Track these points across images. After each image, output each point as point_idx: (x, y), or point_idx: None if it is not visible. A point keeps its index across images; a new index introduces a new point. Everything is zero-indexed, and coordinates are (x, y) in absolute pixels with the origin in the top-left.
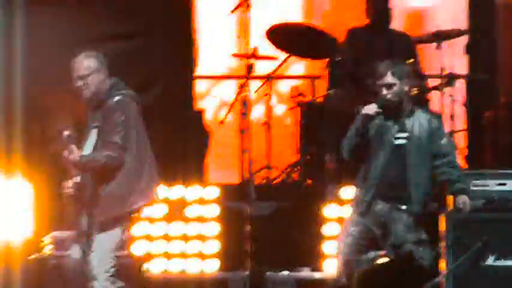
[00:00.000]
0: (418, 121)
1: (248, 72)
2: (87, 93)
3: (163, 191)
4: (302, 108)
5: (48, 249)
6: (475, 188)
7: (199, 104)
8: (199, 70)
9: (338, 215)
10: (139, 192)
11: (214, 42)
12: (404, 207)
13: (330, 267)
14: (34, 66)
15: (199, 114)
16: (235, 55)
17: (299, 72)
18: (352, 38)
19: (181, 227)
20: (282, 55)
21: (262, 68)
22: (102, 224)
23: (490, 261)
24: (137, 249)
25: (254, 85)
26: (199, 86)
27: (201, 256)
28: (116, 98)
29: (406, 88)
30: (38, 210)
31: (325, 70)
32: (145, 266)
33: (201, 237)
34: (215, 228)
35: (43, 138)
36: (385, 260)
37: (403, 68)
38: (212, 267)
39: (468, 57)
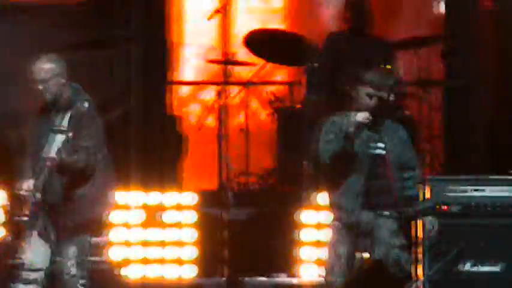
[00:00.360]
0: (392, 132)
1: (225, 78)
2: (47, 96)
3: (140, 197)
4: (280, 114)
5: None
6: (451, 194)
7: (183, 110)
8: (181, 76)
9: (315, 221)
10: (108, 198)
11: (197, 47)
12: (388, 213)
13: (307, 273)
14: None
15: (177, 119)
16: (211, 61)
17: (282, 79)
18: (330, 44)
19: (158, 233)
20: (260, 61)
21: (245, 74)
22: (72, 230)
23: (467, 267)
24: (115, 255)
25: (235, 91)
26: (182, 92)
27: (179, 262)
28: (86, 104)
29: (391, 98)
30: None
31: (303, 76)
32: (122, 272)
33: (179, 243)
34: (193, 234)
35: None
36: (372, 265)
37: (394, 79)
38: (190, 273)
39: (445, 63)
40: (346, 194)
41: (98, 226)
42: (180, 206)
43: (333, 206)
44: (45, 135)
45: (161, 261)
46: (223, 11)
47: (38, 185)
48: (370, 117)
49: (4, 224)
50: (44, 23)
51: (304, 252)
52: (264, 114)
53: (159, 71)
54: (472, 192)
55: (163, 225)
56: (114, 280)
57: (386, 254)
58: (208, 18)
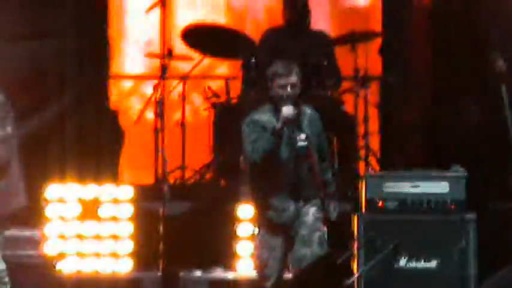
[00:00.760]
0: (309, 121)
1: (162, 73)
2: None
3: (77, 190)
4: (216, 109)
5: None
6: (388, 190)
7: (124, 103)
8: (122, 69)
9: (251, 215)
10: (23, 192)
11: (137, 41)
12: (314, 203)
13: (243, 267)
14: None
15: (115, 113)
16: (149, 55)
17: (223, 73)
18: (267, 39)
19: (94, 226)
20: (198, 55)
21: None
22: None
23: (402, 263)
24: (50, 248)
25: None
26: (124, 86)
27: (115, 256)
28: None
29: (300, 90)
30: None
31: (239, 71)
32: (58, 266)
33: (115, 237)
34: (129, 228)
35: None
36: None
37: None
38: (125, 267)
39: (382, 59)
40: (275, 193)
41: (13, 221)
42: (117, 199)
43: (263, 204)
44: None
45: (97, 255)
46: (162, 5)
47: None
48: (295, 111)
49: None
50: None
51: (241, 247)
52: (200, 109)
53: (96, 64)
54: (407, 188)
55: (99, 218)
56: (49, 274)
57: (309, 234)
58: (147, 12)
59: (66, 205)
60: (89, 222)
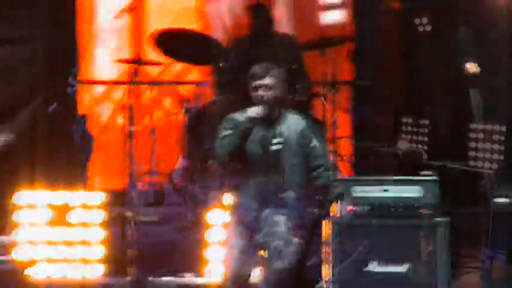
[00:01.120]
0: (289, 124)
1: (133, 78)
2: None
3: (47, 196)
4: (187, 114)
5: None
6: (357, 195)
7: (95, 109)
8: (93, 75)
9: (221, 220)
10: None
11: (109, 46)
12: (285, 210)
13: (213, 273)
14: None
15: (86, 118)
16: (119, 60)
17: (195, 79)
18: (237, 44)
19: (64, 232)
20: (167, 60)
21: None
22: None
23: (372, 267)
24: (20, 254)
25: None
26: (96, 91)
27: (85, 261)
28: None
29: (282, 93)
30: None
31: (210, 76)
32: (27, 272)
33: (85, 243)
34: (99, 233)
35: None
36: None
37: (281, 72)
38: (96, 272)
39: (352, 64)
40: (244, 192)
41: None
42: (87, 205)
43: (232, 203)
44: None
45: (67, 260)
46: (132, 10)
47: None
48: (264, 111)
49: None
50: None
51: (210, 252)
52: (170, 114)
53: (67, 70)
54: (377, 192)
55: (69, 224)
56: (19, 280)
57: (284, 246)
58: (116, 17)
59: (36, 211)
60: (59, 228)
